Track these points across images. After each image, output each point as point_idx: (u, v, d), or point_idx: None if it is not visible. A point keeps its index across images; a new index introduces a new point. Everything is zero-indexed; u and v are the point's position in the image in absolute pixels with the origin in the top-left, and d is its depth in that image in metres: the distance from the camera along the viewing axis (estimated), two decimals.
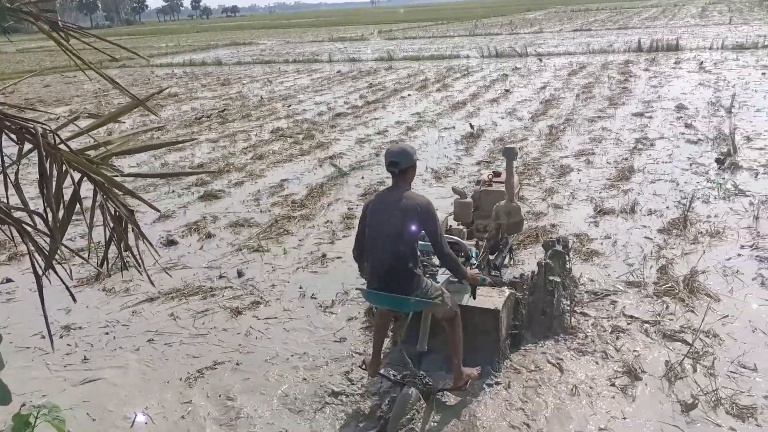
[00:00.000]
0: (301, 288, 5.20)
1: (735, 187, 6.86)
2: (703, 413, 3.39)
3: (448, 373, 3.64)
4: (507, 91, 14.60)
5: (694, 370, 3.75)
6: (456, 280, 3.67)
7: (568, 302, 4.27)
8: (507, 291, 3.94)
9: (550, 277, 4.09)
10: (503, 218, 4.45)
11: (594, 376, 3.78)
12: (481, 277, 3.63)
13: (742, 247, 5.41)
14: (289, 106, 14.62)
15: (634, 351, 4.00)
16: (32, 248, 1.37)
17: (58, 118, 1.77)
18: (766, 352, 3.91)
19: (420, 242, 3.36)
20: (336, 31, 52.02)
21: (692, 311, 4.41)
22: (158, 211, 2.20)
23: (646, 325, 4.30)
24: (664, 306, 4.52)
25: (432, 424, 3.38)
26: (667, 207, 6.44)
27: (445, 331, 3.51)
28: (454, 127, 11.03)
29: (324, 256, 5.81)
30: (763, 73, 14.43)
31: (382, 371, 3.57)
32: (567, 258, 4.26)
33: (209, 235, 6.53)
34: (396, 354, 3.72)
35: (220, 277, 5.52)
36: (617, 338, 4.17)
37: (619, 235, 5.81)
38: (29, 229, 1.41)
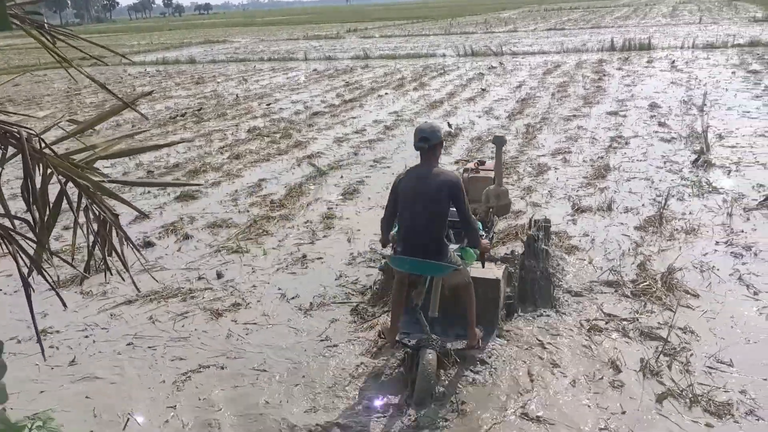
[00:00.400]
0: (280, 289, 5.16)
1: (708, 184, 6.98)
2: (677, 409, 3.44)
3: (450, 337, 3.97)
4: (483, 90, 14.67)
5: (670, 367, 3.80)
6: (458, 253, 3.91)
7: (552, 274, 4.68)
8: (503, 265, 4.36)
9: (540, 246, 4.52)
10: (493, 201, 4.77)
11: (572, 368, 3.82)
12: (472, 252, 3.94)
13: (717, 243, 5.51)
14: (268, 105, 14.51)
15: (614, 348, 4.04)
16: (19, 254, 1.34)
17: (47, 124, 1.72)
18: (742, 347, 3.98)
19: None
20: (311, 29, 51.78)
21: (669, 309, 4.47)
22: (145, 215, 2.16)
23: (624, 322, 4.35)
24: (642, 303, 4.58)
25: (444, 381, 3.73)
26: (643, 204, 6.53)
27: (450, 302, 3.87)
28: None
29: (304, 257, 5.78)
30: (733, 72, 14.70)
31: (398, 338, 3.86)
32: (549, 235, 4.76)
33: (187, 237, 6.45)
34: (406, 322, 3.98)
35: (199, 278, 5.46)
36: (595, 335, 4.22)
37: (597, 233, 5.88)
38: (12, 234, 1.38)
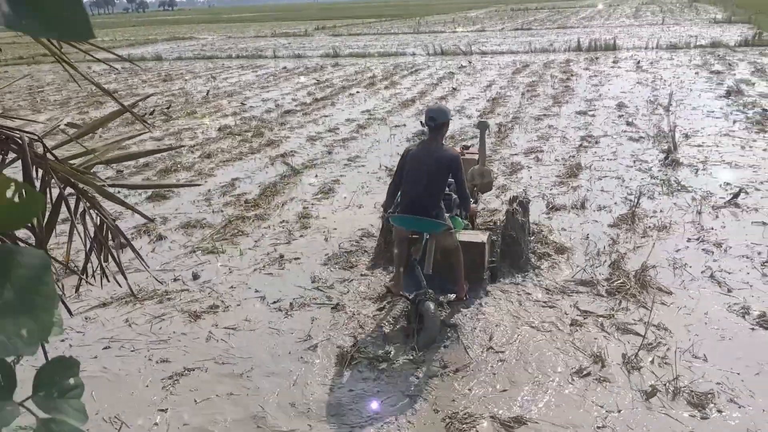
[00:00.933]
0: (258, 291, 5.12)
1: (677, 183, 7.14)
2: (662, 402, 3.52)
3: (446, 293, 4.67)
4: (454, 89, 14.75)
5: (651, 362, 3.89)
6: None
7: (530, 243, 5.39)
8: (487, 232, 5.02)
9: (520, 219, 5.14)
10: (477, 179, 5.32)
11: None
12: (464, 221, 4.72)
13: (689, 240, 5.64)
14: (242, 103, 14.35)
15: (593, 342, 4.12)
16: None
17: (48, 128, 1.69)
18: (716, 342, 4.09)
19: None
20: (278, 26, 51.40)
21: (644, 306, 4.56)
22: (150, 220, 2.11)
23: (601, 318, 4.43)
24: (618, 301, 4.66)
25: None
26: (615, 203, 6.65)
27: (443, 265, 4.52)
28: (405, 125, 11.07)
29: (281, 257, 5.74)
30: (697, 73, 15.06)
31: (402, 292, 4.50)
32: (527, 209, 5.37)
33: (160, 237, 6.36)
34: (407, 278, 4.63)
35: (175, 280, 5.38)
36: (575, 331, 4.29)
37: (572, 231, 5.97)
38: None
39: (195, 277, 5.41)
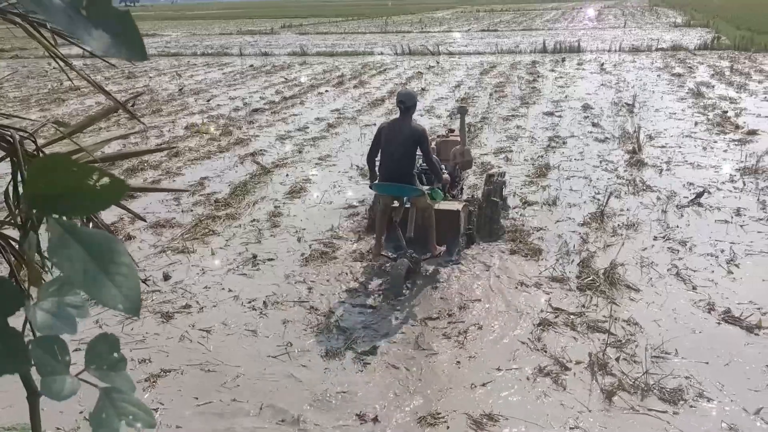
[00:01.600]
0: (231, 291, 5.08)
1: (643, 183, 7.30)
2: (633, 398, 3.60)
3: (426, 254, 5.26)
4: (423, 89, 14.82)
5: (620, 359, 3.98)
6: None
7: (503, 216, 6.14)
8: (464, 202, 5.70)
9: (492, 198, 5.81)
10: (459, 158, 5.93)
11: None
12: (440, 192, 5.16)
13: (655, 238, 5.78)
14: (208, 101, 14.17)
15: (561, 340, 4.19)
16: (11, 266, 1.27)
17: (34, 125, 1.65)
18: (684, 337, 4.20)
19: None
20: (244, 23, 50.89)
21: (614, 302, 4.66)
22: (143, 219, 2.08)
23: (571, 316, 4.51)
24: (588, 298, 4.75)
25: (418, 283, 5.09)
26: (585, 202, 6.77)
27: (421, 233, 5.19)
28: (374, 124, 11.07)
29: (254, 257, 5.70)
30: (659, 75, 15.42)
31: (383, 252, 5.22)
32: (503, 186, 6.10)
33: (129, 237, 6.24)
34: (389, 241, 5.38)
35: (145, 280, 5.28)
36: (544, 330, 4.36)
37: (545, 230, 6.06)
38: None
39: (166, 277, 5.33)
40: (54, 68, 21.82)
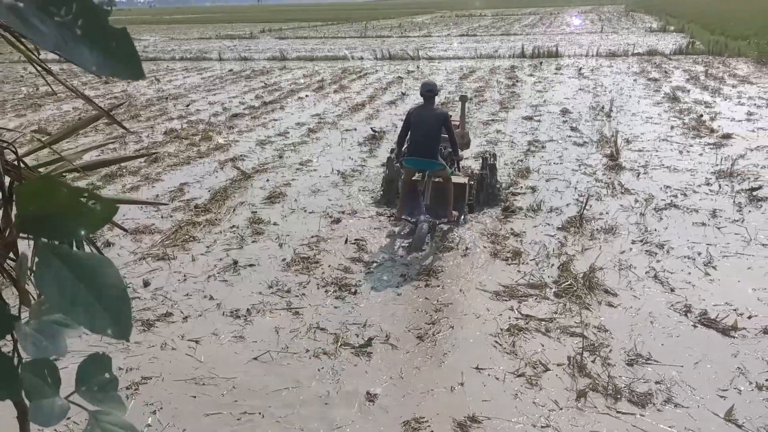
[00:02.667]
0: (213, 298, 5.05)
1: (621, 186, 7.39)
2: (603, 402, 3.64)
3: (443, 219, 6.14)
4: (403, 93, 14.86)
5: (593, 362, 4.02)
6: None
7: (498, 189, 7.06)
8: (466, 177, 6.70)
9: (489, 178, 6.93)
10: (459, 140, 6.58)
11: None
12: (454, 171, 6.44)
13: (633, 242, 5.85)
14: (187, 106, 14.07)
15: (540, 345, 4.23)
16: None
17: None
18: (659, 340, 4.26)
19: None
20: (223, 28, 50.65)
21: (587, 308, 4.70)
22: (125, 230, 2.06)
23: (544, 322, 4.54)
24: (564, 303, 4.79)
25: (437, 241, 6.04)
26: (567, 204, 6.84)
27: (438, 201, 6.08)
28: (355, 129, 11.09)
29: (235, 263, 5.67)
30: (635, 80, 15.63)
31: (404, 216, 6.13)
32: (495, 164, 7.13)
33: (108, 244, 6.17)
34: (410, 206, 6.18)
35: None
36: (519, 332, 4.39)
37: (524, 234, 6.11)
38: None
39: (146, 284, 5.28)
40: (30, 73, 21.55)
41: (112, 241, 6.26)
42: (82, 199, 0.65)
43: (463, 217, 6.43)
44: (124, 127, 1.30)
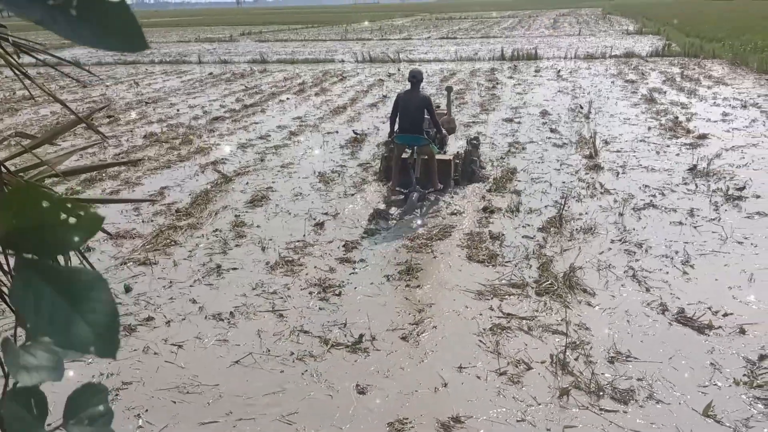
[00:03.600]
0: (196, 302, 5.03)
1: (601, 186, 7.49)
2: (587, 399, 3.70)
3: (429, 189, 7.22)
4: (385, 96, 14.90)
5: (576, 359, 4.07)
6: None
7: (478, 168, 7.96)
8: (452, 156, 7.74)
9: (472, 157, 7.93)
10: (446, 125, 7.71)
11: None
12: (436, 147, 7.33)
13: (612, 241, 5.93)
14: (177, 111, 13.96)
15: (523, 344, 4.28)
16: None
17: None
18: (638, 338, 4.33)
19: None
20: (202, 31, 50.38)
21: (567, 306, 4.76)
22: (109, 234, 2.05)
23: (525, 321, 4.59)
24: (545, 303, 4.84)
25: (424, 209, 7.00)
26: (546, 206, 6.91)
27: (427, 171, 7.19)
28: (337, 132, 11.10)
29: (219, 267, 5.65)
30: (613, 82, 15.82)
31: (397, 188, 7.19)
32: (478, 147, 8.19)
33: (89, 249, 6.11)
34: (402, 179, 7.21)
35: None
36: (501, 331, 4.43)
37: (506, 234, 6.16)
38: None
39: (127, 289, 5.24)
40: (7, 77, 21.24)
41: (93, 245, 6.20)
42: (67, 210, 0.61)
43: (449, 189, 7.59)
44: (102, 135, 1.31)
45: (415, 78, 6.94)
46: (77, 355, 0.64)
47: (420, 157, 7.05)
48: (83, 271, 0.64)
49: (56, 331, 0.60)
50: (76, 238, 0.62)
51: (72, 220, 0.62)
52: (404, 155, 7.15)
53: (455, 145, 8.86)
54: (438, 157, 7.34)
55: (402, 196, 7.10)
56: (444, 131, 7.49)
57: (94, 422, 0.69)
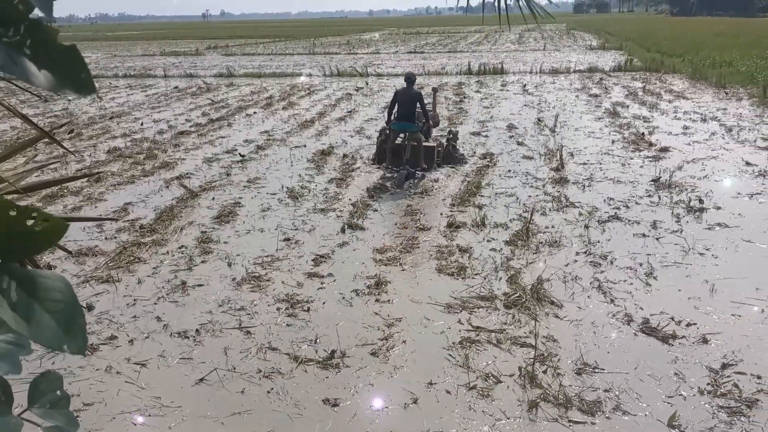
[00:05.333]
0: (161, 319, 4.92)
1: (566, 199, 7.58)
2: (555, 411, 3.71)
3: (416, 168, 8.78)
4: (353, 110, 14.91)
5: (544, 372, 4.09)
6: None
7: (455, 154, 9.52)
8: (435, 143, 9.48)
9: (453, 143, 9.72)
10: (432, 119, 9.26)
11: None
12: (423, 136, 8.97)
13: (578, 253, 6.00)
14: (141, 124, 13.75)
15: (492, 357, 4.28)
16: None
17: None
18: (604, 350, 4.36)
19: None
20: (168, 44, 49.93)
21: (535, 319, 4.79)
22: (70, 253, 1.99)
23: (493, 333, 4.60)
24: (513, 315, 4.86)
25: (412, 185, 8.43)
26: (511, 219, 6.96)
27: (415, 154, 8.84)
28: (305, 146, 11.07)
29: (184, 283, 5.55)
30: (577, 96, 16.11)
31: (390, 166, 8.91)
32: (456, 138, 9.89)
33: (49, 267, 5.95)
34: (395, 160, 8.90)
35: None
36: (471, 344, 4.43)
37: (473, 248, 6.19)
38: None
39: (90, 308, 5.11)
40: None
41: (54, 263, 6.05)
42: (32, 218, 0.65)
43: (431, 169, 9.12)
44: (67, 149, 1.27)
45: (410, 78, 8.67)
46: (27, 353, 0.72)
47: (410, 143, 8.63)
48: (48, 274, 0.69)
49: (33, 330, 0.65)
50: (42, 244, 0.68)
51: (37, 227, 0.67)
52: (397, 141, 8.88)
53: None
54: (424, 144, 8.95)
55: (393, 178, 8.66)
56: (431, 122, 9.17)
57: (54, 405, 0.77)
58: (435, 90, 10.38)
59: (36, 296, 0.66)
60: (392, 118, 8.70)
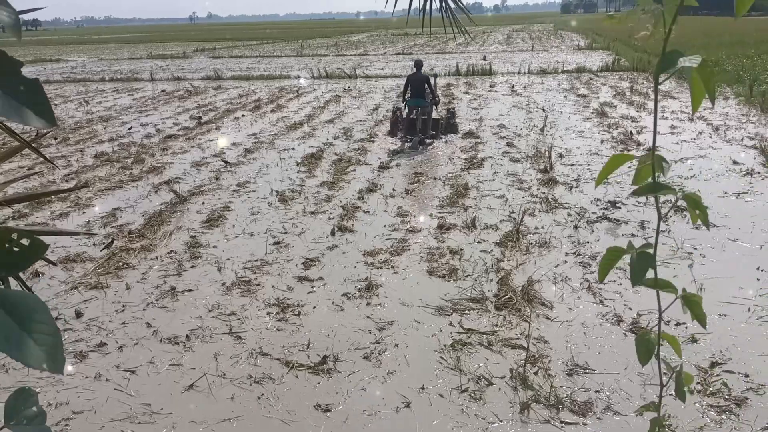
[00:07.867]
0: (150, 326, 4.89)
1: (555, 200, 7.61)
2: (547, 412, 3.72)
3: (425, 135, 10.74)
4: (342, 112, 14.90)
5: (535, 374, 4.10)
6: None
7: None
8: (440, 116, 11.81)
9: (451, 120, 11.99)
10: (434, 99, 11.13)
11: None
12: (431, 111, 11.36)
13: (567, 254, 6.02)
14: (130, 129, 13.66)
15: (484, 359, 4.28)
16: None
17: None
18: (594, 350, 4.38)
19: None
20: (155, 47, 49.68)
21: (526, 320, 4.80)
22: (53, 264, 1.97)
23: (485, 336, 4.61)
24: (504, 317, 4.87)
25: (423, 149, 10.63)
26: (501, 221, 6.98)
27: (425, 125, 11.18)
28: (293, 148, 11.04)
29: (173, 289, 5.52)
30: (565, 96, 16.18)
31: (406, 135, 11.09)
32: (455, 114, 12.23)
33: (37, 274, 5.91)
34: (411, 129, 11.07)
35: (57, 319, 5.02)
36: (462, 347, 4.44)
37: (463, 250, 6.19)
38: None
39: (78, 314, 5.07)
40: None
41: (42, 270, 6.00)
42: (12, 238, 0.66)
43: (437, 136, 11.44)
44: (49, 160, 1.25)
45: (418, 64, 10.88)
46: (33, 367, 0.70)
47: (421, 116, 10.81)
48: (25, 295, 0.70)
49: (13, 349, 0.66)
50: (22, 263, 0.70)
51: (17, 247, 0.69)
52: (412, 116, 10.92)
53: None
54: (432, 116, 11.30)
55: (400, 150, 10.59)
56: (436, 99, 11.21)
57: (31, 422, 0.79)
58: (435, 76, 11.99)
59: (15, 316, 0.67)
60: (406, 96, 10.98)
